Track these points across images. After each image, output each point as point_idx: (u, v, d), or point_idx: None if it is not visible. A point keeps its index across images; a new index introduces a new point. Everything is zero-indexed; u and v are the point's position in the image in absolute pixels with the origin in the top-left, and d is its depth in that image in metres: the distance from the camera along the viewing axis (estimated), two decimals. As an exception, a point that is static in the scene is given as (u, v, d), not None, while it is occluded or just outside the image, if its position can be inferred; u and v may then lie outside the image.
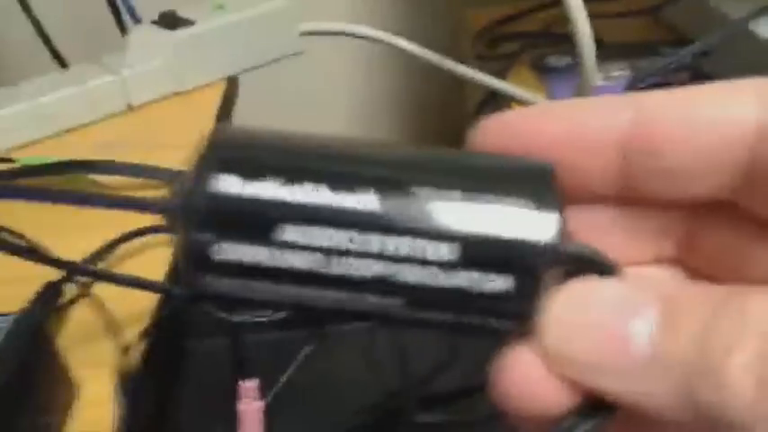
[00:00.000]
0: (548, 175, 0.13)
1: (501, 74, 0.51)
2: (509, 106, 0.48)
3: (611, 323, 0.13)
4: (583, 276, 0.14)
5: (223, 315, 0.35)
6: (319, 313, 0.13)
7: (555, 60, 0.51)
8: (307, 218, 0.13)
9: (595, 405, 0.13)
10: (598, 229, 0.15)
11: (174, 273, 0.30)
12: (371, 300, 0.13)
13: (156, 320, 0.30)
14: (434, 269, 0.13)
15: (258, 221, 0.13)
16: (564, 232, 0.13)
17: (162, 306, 0.31)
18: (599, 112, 0.14)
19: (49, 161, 0.41)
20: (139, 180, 0.40)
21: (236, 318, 0.35)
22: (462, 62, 0.50)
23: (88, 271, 0.29)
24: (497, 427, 0.36)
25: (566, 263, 0.13)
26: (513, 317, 0.13)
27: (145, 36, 0.48)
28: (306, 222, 0.13)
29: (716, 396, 0.11)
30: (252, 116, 0.48)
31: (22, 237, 0.35)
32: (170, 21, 0.48)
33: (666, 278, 0.16)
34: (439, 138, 0.66)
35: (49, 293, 0.30)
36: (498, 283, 0.13)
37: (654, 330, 0.12)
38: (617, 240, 0.15)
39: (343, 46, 0.55)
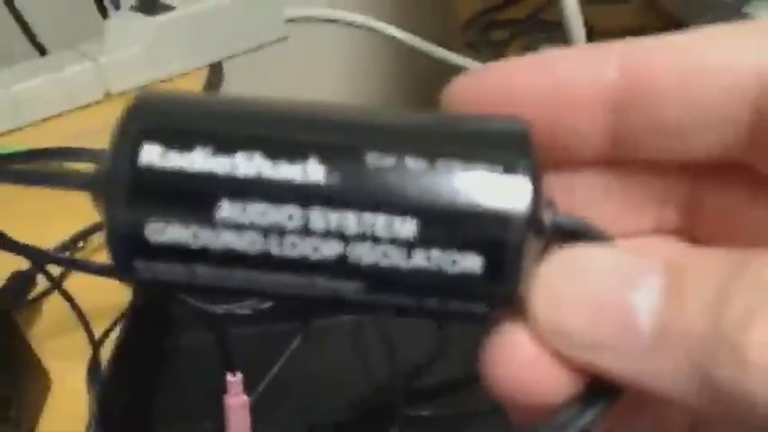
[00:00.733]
0: (521, 135, 0.12)
1: (491, 61, 0.50)
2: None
3: (611, 294, 0.11)
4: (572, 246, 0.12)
5: (204, 307, 0.34)
6: (274, 300, 0.12)
7: (546, 47, 0.51)
8: (239, 192, 0.11)
9: (598, 389, 0.12)
10: (589, 197, 0.14)
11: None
12: (324, 284, 0.11)
13: (129, 312, 0.29)
14: (389, 248, 0.11)
15: (187, 197, 0.11)
16: (541, 201, 0.11)
17: (137, 297, 0.30)
18: (581, 63, 0.13)
19: (21, 149, 0.39)
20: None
21: (219, 309, 0.34)
22: (452, 49, 0.49)
23: (60, 259, 0.28)
24: (487, 421, 0.35)
25: (547, 236, 0.12)
26: (486, 299, 0.11)
27: (123, 22, 0.47)
28: (239, 198, 0.11)
29: (734, 374, 0.10)
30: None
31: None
32: (149, 6, 0.47)
33: (669, 247, 0.14)
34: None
35: (19, 283, 0.28)
36: (464, 262, 0.11)
37: (659, 301, 0.11)
38: (611, 209, 0.14)
39: (330, 33, 0.54)
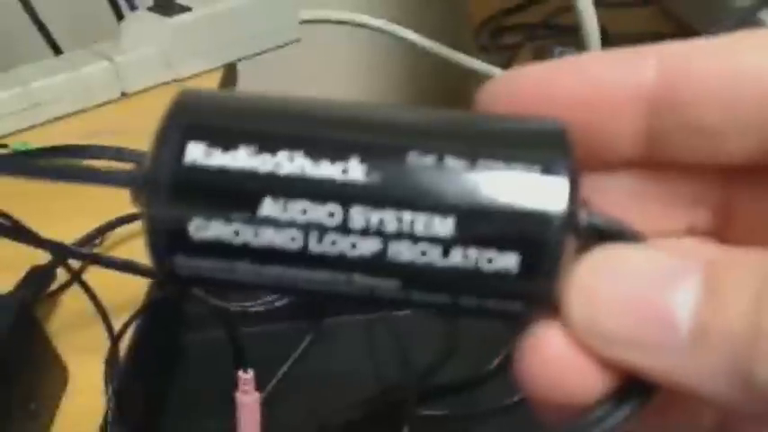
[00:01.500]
0: (559, 136, 0.12)
1: (504, 65, 0.50)
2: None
3: (649, 293, 0.11)
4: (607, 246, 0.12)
5: (218, 303, 0.34)
6: (311, 297, 0.12)
7: (560, 51, 0.51)
8: (281, 190, 0.11)
9: (631, 388, 0.12)
10: (623, 198, 0.14)
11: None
12: (361, 281, 0.11)
13: (147, 307, 0.29)
14: (427, 246, 0.11)
15: (229, 195, 0.11)
16: (578, 201, 0.11)
17: (154, 292, 0.30)
18: (619, 66, 0.13)
19: (38, 147, 0.40)
20: (129, 166, 0.39)
21: (233, 306, 0.34)
22: (465, 53, 0.50)
23: (79, 253, 0.29)
24: (498, 420, 0.35)
25: (582, 236, 0.12)
26: (522, 298, 0.11)
27: (140, 22, 0.47)
28: (281, 195, 0.11)
29: None
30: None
31: (9, 218, 0.34)
32: (166, 7, 0.47)
33: (702, 248, 0.14)
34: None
35: (39, 277, 0.29)
36: (501, 261, 0.11)
37: (697, 300, 0.11)
38: (644, 210, 0.14)
39: (344, 35, 0.54)
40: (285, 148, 0.11)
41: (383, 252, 0.11)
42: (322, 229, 0.11)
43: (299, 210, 0.11)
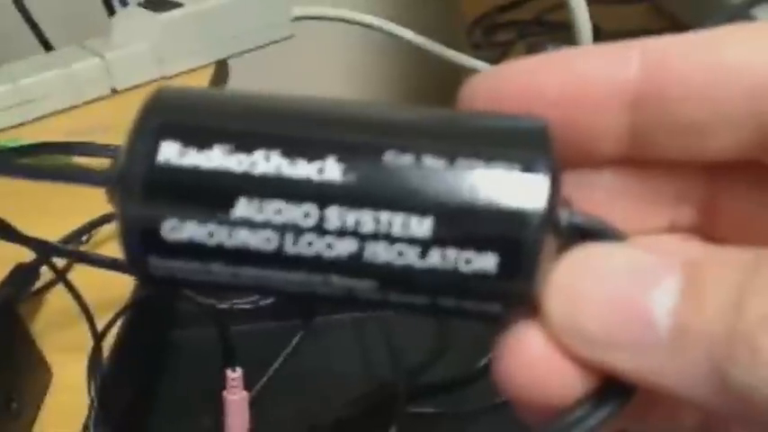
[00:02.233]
0: (540, 134, 0.11)
1: (497, 61, 0.50)
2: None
3: (628, 292, 0.11)
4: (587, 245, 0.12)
5: (207, 301, 0.34)
6: (290, 298, 0.12)
7: (552, 48, 0.50)
8: (256, 190, 0.11)
9: (610, 388, 0.11)
10: (608, 195, 0.14)
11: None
12: (338, 282, 0.11)
13: (131, 305, 0.29)
14: (404, 247, 0.11)
15: (203, 195, 0.11)
16: (558, 199, 0.11)
17: (139, 290, 0.30)
18: (602, 61, 0.12)
19: (28, 143, 0.40)
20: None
21: (221, 304, 0.34)
22: (457, 49, 0.49)
23: (63, 251, 0.28)
24: (488, 418, 0.35)
25: (563, 235, 0.12)
26: (501, 299, 0.11)
27: (130, 19, 0.47)
28: (256, 195, 0.11)
29: (752, 377, 0.10)
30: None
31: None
32: (157, 3, 0.47)
33: (684, 246, 0.14)
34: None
35: (23, 275, 0.28)
36: (479, 261, 0.11)
37: (676, 300, 0.11)
38: (628, 206, 0.14)
39: (337, 32, 0.54)
40: (261, 147, 0.11)
41: (360, 253, 0.11)
42: (298, 230, 0.11)
43: (275, 210, 0.11)
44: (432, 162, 0.11)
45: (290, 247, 0.11)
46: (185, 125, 0.11)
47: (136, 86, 0.47)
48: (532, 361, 0.11)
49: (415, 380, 0.37)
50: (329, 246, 0.11)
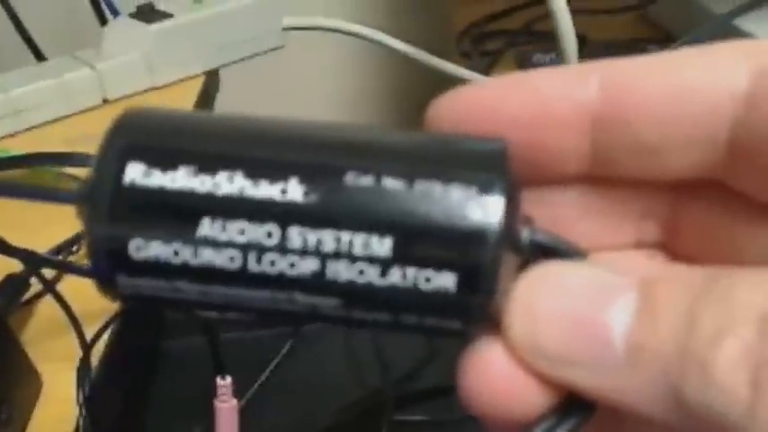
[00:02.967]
0: (498, 155, 0.12)
1: (486, 71, 0.50)
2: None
3: (585, 310, 0.11)
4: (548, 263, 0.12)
5: (196, 311, 0.34)
6: (258, 315, 0.12)
7: (539, 57, 0.51)
8: (220, 211, 0.11)
9: (573, 403, 0.12)
10: (573, 212, 0.14)
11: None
12: (302, 300, 0.11)
13: (121, 315, 0.29)
14: (365, 266, 0.11)
15: (168, 215, 0.11)
16: (516, 219, 0.11)
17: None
18: (562, 83, 0.13)
19: (18, 154, 0.40)
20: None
21: (211, 314, 0.34)
22: (447, 59, 0.50)
23: (52, 262, 0.29)
24: (475, 426, 0.35)
25: (524, 253, 0.12)
26: (461, 316, 0.11)
27: (122, 29, 0.47)
28: (219, 215, 0.11)
29: (704, 395, 0.10)
30: (233, 111, 0.47)
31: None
32: (148, 14, 0.47)
33: (647, 263, 0.14)
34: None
35: (12, 286, 0.29)
36: (438, 280, 0.11)
37: (632, 318, 0.11)
38: (592, 224, 0.14)
39: (327, 41, 0.54)
40: (225, 168, 0.11)
41: (322, 271, 0.11)
42: (261, 249, 0.11)
43: (238, 230, 0.11)
44: (391, 183, 0.11)
45: (254, 266, 0.11)
46: (151, 146, 0.12)
47: (127, 96, 0.47)
48: (495, 377, 0.12)
49: (403, 387, 0.38)
50: (292, 264, 0.11)
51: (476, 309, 0.11)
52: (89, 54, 0.47)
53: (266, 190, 0.11)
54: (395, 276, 0.11)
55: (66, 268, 0.29)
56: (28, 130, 0.45)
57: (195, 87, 0.49)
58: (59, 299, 0.28)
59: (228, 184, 0.11)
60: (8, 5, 0.50)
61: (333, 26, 0.51)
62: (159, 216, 0.11)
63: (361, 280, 0.11)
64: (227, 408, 0.35)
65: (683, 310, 0.11)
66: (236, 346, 0.38)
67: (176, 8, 0.48)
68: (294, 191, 0.11)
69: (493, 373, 0.12)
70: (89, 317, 0.30)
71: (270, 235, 0.11)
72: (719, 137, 0.12)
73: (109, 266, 0.12)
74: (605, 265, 0.12)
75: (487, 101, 0.13)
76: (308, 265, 0.11)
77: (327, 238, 0.11)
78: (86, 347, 0.28)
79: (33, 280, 0.31)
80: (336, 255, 0.11)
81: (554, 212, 0.14)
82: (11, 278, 0.29)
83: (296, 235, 0.11)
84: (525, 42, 0.52)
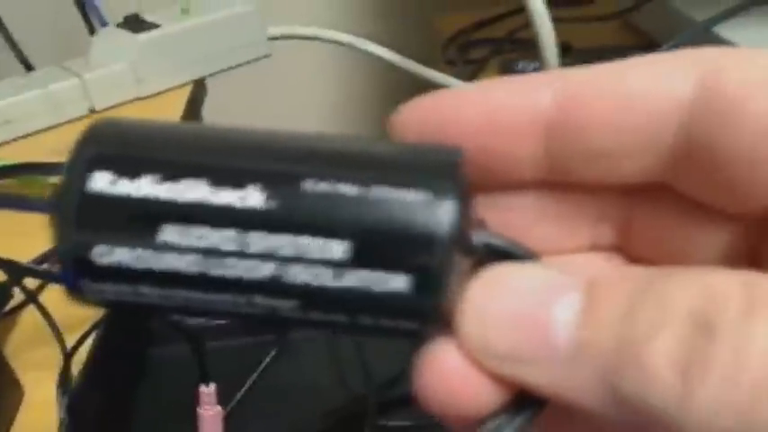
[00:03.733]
0: (451, 161, 0.12)
1: (470, 78, 0.51)
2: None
3: (532, 309, 0.12)
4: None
5: (180, 319, 0.35)
6: (222, 318, 0.12)
7: (524, 65, 0.51)
8: (183, 217, 0.11)
9: (524, 400, 0.12)
10: (531, 216, 0.14)
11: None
12: (261, 302, 0.12)
13: (103, 323, 0.29)
14: (321, 269, 0.11)
15: (131, 221, 0.12)
16: (468, 222, 0.12)
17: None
18: (517, 92, 0.13)
19: (5, 164, 0.40)
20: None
21: (193, 321, 0.35)
22: (433, 67, 0.50)
23: (35, 272, 0.29)
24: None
25: (477, 255, 0.12)
26: (415, 317, 0.12)
27: (108, 39, 0.48)
28: (183, 222, 0.11)
29: (638, 388, 0.10)
30: (220, 120, 0.48)
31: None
32: (135, 24, 0.48)
33: (602, 265, 0.15)
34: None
35: (-6, 295, 0.29)
36: (392, 282, 0.11)
37: (575, 316, 0.11)
38: (549, 227, 0.14)
39: (313, 50, 0.55)
40: (188, 176, 0.12)
41: (279, 274, 0.12)
42: (221, 254, 0.12)
43: (199, 235, 0.12)
44: (347, 189, 0.12)
45: (215, 270, 0.12)
46: (117, 156, 0.12)
47: (114, 106, 0.48)
48: (449, 376, 0.12)
49: (386, 393, 0.38)
50: (252, 268, 0.12)
51: (429, 310, 0.12)
52: (77, 64, 0.47)
53: (227, 197, 0.12)
54: (350, 278, 0.11)
55: (48, 278, 0.30)
56: (15, 140, 0.45)
57: (182, 97, 0.49)
58: (42, 309, 0.28)
59: (191, 191, 0.12)
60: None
61: (319, 35, 0.51)
62: (123, 223, 0.12)
63: (317, 282, 0.12)
64: (210, 415, 0.35)
65: (623, 308, 0.11)
66: (220, 353, 0.38)
67: (163, 18, 0.49)
68: (254, 197, 0.12)
69: (447, 372, 0.12)
70: (72, 326, 0.30)
71: (230, 240, 0.11)
72: (666, 143, 0.12)
73: (75, 272, 0.12)
74: (555, 267, 0.12)
75: (446, 109, 0.14)
76: (267, 269, 0.12)
77: (286, 243, 0.11)
78: (67, 356, 0.28)
79: (17, 289, 0.31)
80: (294, 259, 0.11)
81: (511, 217, 0.14)
82: (-8, 288, 0.29)
83: (255, 240, 0.11)
84: (509, 50, 0.53)
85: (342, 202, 0.12)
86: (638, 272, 0.12)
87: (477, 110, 0.13)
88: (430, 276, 0.11)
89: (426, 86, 0.53)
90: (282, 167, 0.12)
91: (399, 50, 0.50)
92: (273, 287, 0.12)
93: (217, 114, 0.50)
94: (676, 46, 0.45)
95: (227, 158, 0.12)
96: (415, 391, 0.12)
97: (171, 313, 0.12)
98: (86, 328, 0.30)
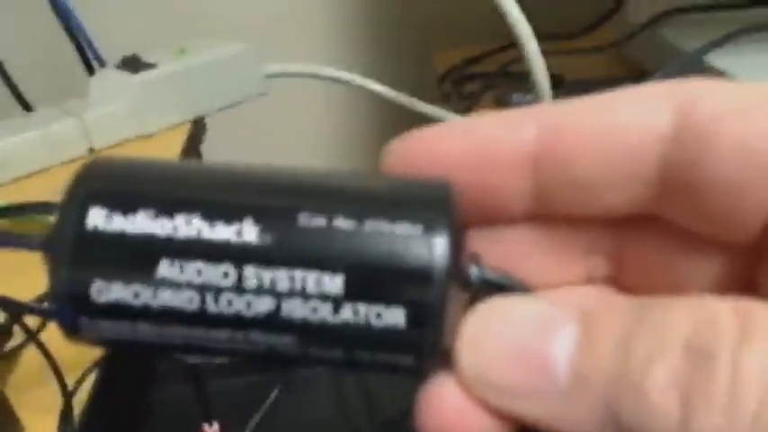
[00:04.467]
0: (442, 196, 0.12)
1: (466, 112, 0.51)
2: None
3: (529, 343, 0.12)
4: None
5: (182, 357, 0.34)
6: (219, 356, 0.12)
7: (518, 97, 0.52)
8: (177, 252, 0.12)
9: None
10: (524, 250, 0.15)
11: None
12: (259, 339, 0.12)
13: (104, 362, 0.29)
14: (318, 303, 0.11)
15: (128, 257, 0.12)
16: (462, 256, 0.12)
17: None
18: (502, 127, 0.13)
19: (3, 204, 0.40)
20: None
21: (192, 359, 0.35)
22: (429, 102, 0.51)
23: (36, 310, 0.29)
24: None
25: (473, 289, 0.12)
26: (412, 351, 0.12)
27: (107, 80, 0.48)
28: (177, 257, 0.11)
29: (639, 417, 0.11)
30: (220, 157, 0.48)
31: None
32: (133, 65, 0.48)
33: (597, 297, 0.15)
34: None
35: (-5, 335, 0.29)
36: (388, 316, 0.11)
37: (573, 348, 0.11)
38: (541, 260, 0.15)
39: (309, 87, 0.55)
40: (183, 211, 0.12)
41: (277, 310, 0.12)
42: (218, 290, 0.12)
43: (195, 271, 0.12)
44: (342, 223, 0.12)
45: (212, 306, 0.12)
46: (112, 193, 0.12)
47: (113, 146, 0.48)
48: (449, 412, 0.12)
49: (390, 430, 0.37)
50: (248, 304, 0.12)
51: (426, 344, 0.12)
52: (75, 104, 0.48)
53: (222, 232, 0.12)
54: (347, 313, 0.11)
55: (49, 316, 0.29)
56: (15, 180, 0.46)
57: (181, 135, 0.49)
58: (42, 348, 0.28)
59: (186, 226, 0.12)
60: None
61: (315, 72, 0.52)
62: (120, 259, 0.12)
63: (314, 317, 0.12)
64: (213, 454, 0.35)
65: (619, 338, 0.11)
66: (223, 392, 0.37)
67: (161, 58, 0.49)
68: (249, 232, 0.12)
69: (446, 408, 0.12)
70: (73, 366, 0.30)
71: (226, 275, 0.11)
72: (649, 173, 0.13)
73: (72, 310, 0.12)
74: (550, 300, 0.12)
75: (434, 144, 0.14)
76: (264, 304, 0.12)
77: (281, 277, 0.11)
78: (68, 396, 0.28)
79: (16, 328, 0.31)
80: (290, 293, 0.11)
81: (505, 250, 0.14)
82: (-7, 328, 0.29)
83: (251, 275, 0.11)
84: (503, 84, 0.53)
85: (336, 236, 0.12)
86: (632, 301, 0.12)
87: (465, 145, 0.14)
88: (425, 309, 0.11)
89: (423, 121, 0.54)
90: (277, 202, 0.12)
91: (395, 86, 0.51)
92: (271, 323, 0.12)
93: (216, 152, 0.50)
94: (667, 76, 0.45)
95: (221, 193, 0.12)
96: (417, 427, 0.12)
97: (169, 352, 0.12)
98: (88, 367, 0.30)
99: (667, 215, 0.13)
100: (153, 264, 0.12)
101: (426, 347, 0.12)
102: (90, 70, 0.53)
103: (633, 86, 0.13)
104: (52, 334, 0.31)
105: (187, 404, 0.35)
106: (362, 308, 0.11)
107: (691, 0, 0.49)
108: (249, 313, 0.12)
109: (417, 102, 0.50)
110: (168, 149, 0.48)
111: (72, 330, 0.12)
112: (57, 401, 0.29)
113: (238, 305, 0.12)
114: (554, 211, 0.14)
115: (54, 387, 0.29)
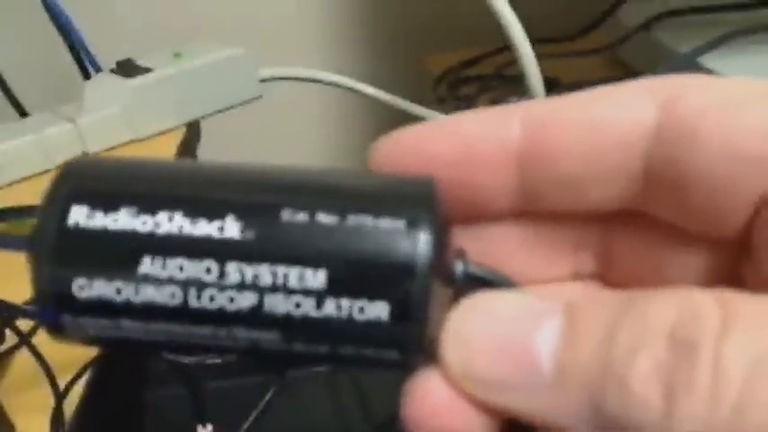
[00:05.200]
0: (426, 192, 0.12)
1: (461, 115, 0.51)
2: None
3: (514, 336, 0.12)
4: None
5: (176, 358, 0.34)
6: (203, 352, 0.12)
7: (514, 101, 0.52)
8: (161, 248, 0.12)
9: (511, 427, 0.12)
10: (509, 247, 0.15)
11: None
12: (243, 335, 0.12)
13: (96, 364, 0.29)
14: (300, 298, 0.11)
15: (110, 254, 0.12)
16: (446, 251, 0.12)
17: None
18: (486, 124, 0.14)
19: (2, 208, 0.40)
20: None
21: (187, 359, 0.34)
22: (424, 105, 0.51)
23: (28, 313, 0.29)
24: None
25: (458, 284, 0.13)
26: (396, 346, 0.12)
27: (101, 84, 0.48)
28: (160, 254, 0.12)
29: (622, 408, 0.11)
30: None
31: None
32: (128, 69, 0.48)
33: (581, 292, 0.15)
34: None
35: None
36: (372, 310, 0.11)
37: (557, 341, 0.11)
38: (530, 257, 0.15)
39: (304, 90, 0.55)
40: (165, 208, 0.12)
41: (259, 305, 0.12)
42: (200, 285, 0.12)
43: (177, 266, 0.12)
44: (325, 219, 0.12)
45: (194, 302, 0.12)
46: (94, 190, 0.12)
47: (108, 150, 0.48)
48: (435, 407, 0.12)
49: (386, 431, 0.37)
50: (231, 299, 0.12)
51: (410, 338, 0.12)
52: (70, 109, 0.48)
53: (204, 228, 0.12)
54: (330, 308, 0.12)
55: (36, 316, 0.29)
56: (10, 184, 0.46)
57: (176, 139, 0.49)
58: (34, 350, 0.28)
59: (168, 223, 0.12)
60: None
61: (310, 76, 0.52)
62: (102, 256, 0.12)
63: (297, 312, 0.12)
64: (207, 456, 0.35)
65: (603, 330, 0.11)
66: (218, 393, 0.37)
67: (156, 62, 0.49)
68: (231, 228, 0.12)
69: (433, 402, 0.12)
70: (65, 368, 0.30)
71: (209, 271, 0.11)
72: (634, 169, 0.13)
73: (55, 308, 0.12)
74: (534, 293, 0.12)
75: (420, 142, 0.14)
76: (247, 300, 0.12)
77: (264, 273, 0.11)
78: (59, 398, 0.28)
79: (9, 331, 0.31)
80: (273, 288, 0.11)
81: (492, 247, 0.14)
82: (-15, 330, 0.29)
83: (233, 270, 0.11)
84: (498, 87, 0.53)
85: (319, 231, 0.12)
86: (617, 294, 0.12)
87: (450, 142, 0.14)
88: (409, 304, 0.11)
89: (418, 123, 0.54)
90: (260, 198, 0.12)
91: (390, 89, 0.51)
92: (254, 318, 0.12)
93: (211, 156, 0.50)
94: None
95: (203, 190, 0.12)
96: (404, 422, 0.12)
97: (154, 349, 0.12)
98: (79, 369, 0.30)
99: (653, 211, 0.13)
100: (135, 260, 0.12)
101: (411, 342, 0.12)
102: (86, 75, 0.53)
103: (619, 83, 0.13)
104: (44, 337, 0.31)
105: (180, 406, 0.35)
106: (346, 302, 0.11)
107: (685, 2, 0.49)
108: (232, 308, 0.12)
109: (412, 105, 0.50)
110: (163, 153, 0.48)
111: (56, 328, 0.12)
112: (48, 403, 0.29)
113: (221, 300, 0.12)
114: (540, 207, 0.14)
115: (46, 389, 0.29)
